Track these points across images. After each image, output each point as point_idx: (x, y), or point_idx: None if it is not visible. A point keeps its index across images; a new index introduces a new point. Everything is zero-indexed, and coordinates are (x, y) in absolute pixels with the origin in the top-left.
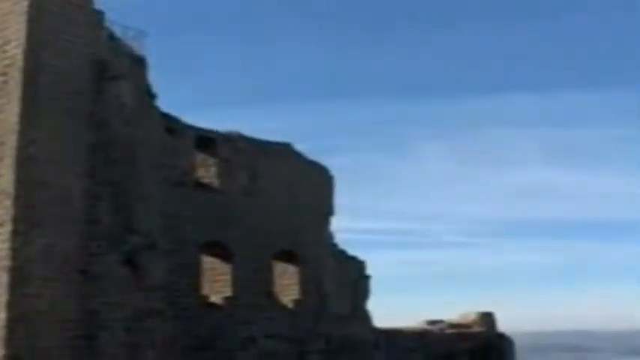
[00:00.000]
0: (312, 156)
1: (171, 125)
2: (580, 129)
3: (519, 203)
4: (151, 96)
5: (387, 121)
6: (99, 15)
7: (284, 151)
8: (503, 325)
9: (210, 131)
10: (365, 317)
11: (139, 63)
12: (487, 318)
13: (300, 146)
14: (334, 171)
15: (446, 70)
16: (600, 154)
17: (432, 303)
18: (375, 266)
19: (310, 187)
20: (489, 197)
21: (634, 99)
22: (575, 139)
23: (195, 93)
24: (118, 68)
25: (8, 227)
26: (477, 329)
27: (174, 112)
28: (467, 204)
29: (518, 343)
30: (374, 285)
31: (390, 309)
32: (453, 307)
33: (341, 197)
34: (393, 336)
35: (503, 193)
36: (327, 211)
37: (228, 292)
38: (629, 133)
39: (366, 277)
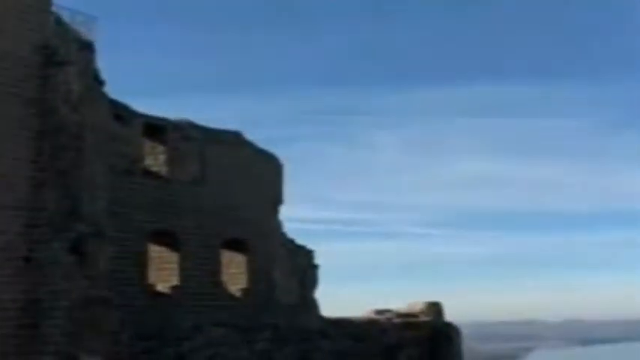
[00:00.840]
0: (263, 145)
1: (120, 112)
2: (529, 120)
3: (469, 194)
4: (99, 82)
5: (339, 111)
6: None
7: (234, 139)
8: (450, 314)
9: (160, 119)
10: (313, 307)
11: (87, 48)
12: (434, 307)
13: (250, 135)
14: (284, 160)
15: (397, 60)
16: (548, 145)
17: (382, 293)
18: (326, 256)
19: (260, 176)
20: (440, 187)
21: (583, 91)
22: (525, 130)
23: (145, 80)
24: (65, 54)
25: None
26: (424, 319)
27: (123, 99)
28: (418, 194)
29: (465, 333)
30: (323, 275)
31: (339, 299)
32: (404, 296)
33: (291, 186)
34: (341, 325)
35: (453, 184)
36: (277, 200)
37: (176, 281)
38: (577, 124)
39: (315, 267)
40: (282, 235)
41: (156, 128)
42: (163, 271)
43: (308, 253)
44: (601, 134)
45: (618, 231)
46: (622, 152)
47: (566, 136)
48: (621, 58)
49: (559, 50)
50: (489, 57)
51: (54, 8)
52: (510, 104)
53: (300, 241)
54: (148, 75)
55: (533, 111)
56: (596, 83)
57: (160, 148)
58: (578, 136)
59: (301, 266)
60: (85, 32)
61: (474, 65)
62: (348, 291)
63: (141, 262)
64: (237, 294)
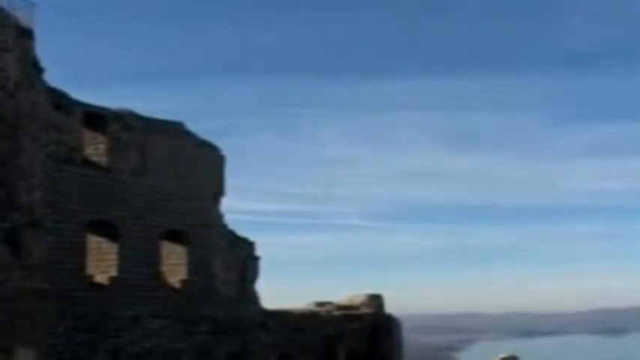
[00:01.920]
0: (206, 136)
1: (60, 101)
2: (479, 113)
3: (416, 187)
4: (39, 70)
5: (283, 103)
6: None
7: (175, 130)
8: (393, 306)
9: (101, 108)
10: (253, 298)
11: (26, 35)
12: (376, 300)
13: (193, 126)
14: (227, 151)
15: (343, 53)
16: (497, 139)
17: (325, 285)
18: (267, 248)
19: (201, 166)
20: (386, 180)
21: (535, 85)
22: (473, 123)
23: (85, 69)
24: (2, 40)
25: None
26: (365, 311)
27: (63, 87)
28: (363, 187)
29: (407, 325)
30: (265, 267)
31: (281, 291)
32: (347, 289)
33: (234, 178)
34: (281, 317)
35: (399, 176)
36: (218, 191)
37: (114, 272)
38: (528, 119)
39: (255, 258)
40: (223, 226)
41: (96, 117)
42: (102, 261)
43: (249, 245)
44: (551, 129)
45: (564, 225)
46: (571, 147)
47: (515, 129)
48: (572, 54)
49: (509, 44)
50: (438, 50)
51: None
52: (459, 97)
53: (241, 232)
54: (89, 64)
55: (483, 104)
56: (548, 77)
57: (101, 137)
58: (527, 130)
59: (242, 258)
60: (24, 19)
61: (423, 58)
62: (290, 283)
63: (79, 253)
64: (177, 285)
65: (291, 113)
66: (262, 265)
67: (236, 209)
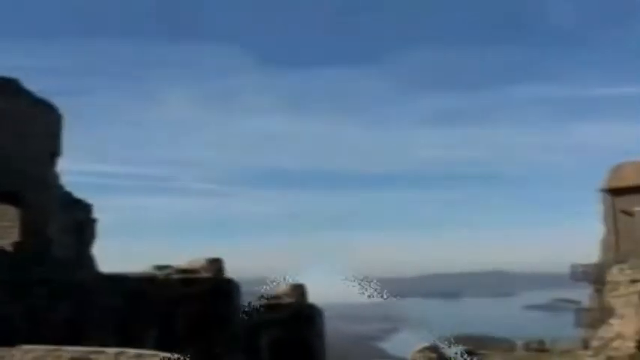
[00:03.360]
0: (48, 96)
1: None
2: (325, 79)
3: (264, 152)
4: None
5: (134, 64)
6: None
7: (9, 87)
8: (232, 271)
9: None
10: (90, 261)
11: None
12: (216, 264)
13: (37, 85)
14: (70, 112)
15: (193, 17)
16: (347, 105)
17: (166, 249)
18: (107, 211)
19: (36, 126)
20: (233, 145)
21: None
22: (318, 89)
23: None
24: None
25: None
26: (204, 275)
27: None
28: (210, 151)
29: (249, 289)
30: (103, 229)
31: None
32: (188, 253)
33: (77, 139)
34: (118, 281)
35: (247, 141)
36: (55, 152)
37: None
38: (378, 85)
39: (93, 221)
40: (59, 187)
41: None
42: None
43: (86, 207)
44: (399, 96)
45: (404, 191)
46: (415, 115)
47: (365, 96)
48: (427, 22)
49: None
50: (281, 10)
51: None
52: (312, 58)
53: (81, 195)
54: None
55: (335, 65)
56: (395, 47)
57: None
58: (378, 98)
59: (79, 220)
60: None
61: (267, 20)
62: (130, 246)
63: None
64: (9, 248)
65: (136, 75)
66: (100, 228)
67: (80, 170)
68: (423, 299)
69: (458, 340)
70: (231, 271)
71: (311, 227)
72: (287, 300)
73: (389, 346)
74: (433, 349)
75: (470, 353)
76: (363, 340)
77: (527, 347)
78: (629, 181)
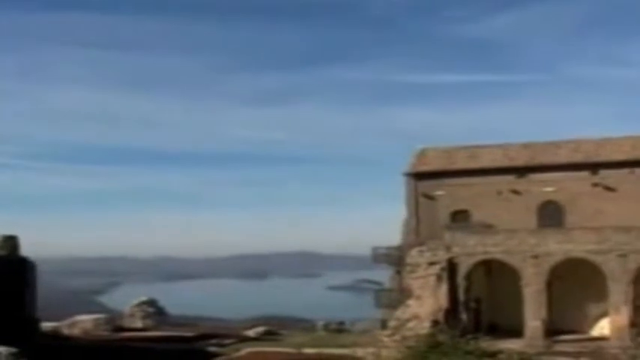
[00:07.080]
0: None
1: None
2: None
3: (79, 127)
4: None
5: None
6: None
7: None
8: (31, 249)
9: None
10: None
11: None
12: (10, 241)
13: None
14: None
15: None
16: (164, 81)
17: None
18: None
19: None
20: (47, 118)
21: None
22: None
23: None
24: None
25: None
26: None
27: None
28: (22, 125)
29: (50, 268)
30: None
31: None
32: None
33: None
34: None
35: (61, 115)
36: None
37: None
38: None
39: None
40: None
41: None
42: None
43: None
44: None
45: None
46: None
47: (182, 73)
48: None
49: None
50: None
51: None
52: (128, 37)
53: None
54: None
55: (152, 47)
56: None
57: None
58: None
59: None
60: None
61: None
62: None
63: None
64: None
65: None
66: None
67: None
68: (230, 280)
69: (260, 320)
70: (30, 249)
71: (123, 204)
72: None
73: (107, 298)
74: (150, 303)
75: (271, 334)
76: (81, 295)
77: (327, 328)
78: (432, 165)
